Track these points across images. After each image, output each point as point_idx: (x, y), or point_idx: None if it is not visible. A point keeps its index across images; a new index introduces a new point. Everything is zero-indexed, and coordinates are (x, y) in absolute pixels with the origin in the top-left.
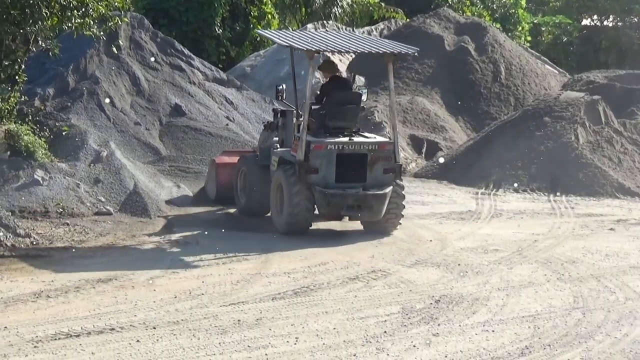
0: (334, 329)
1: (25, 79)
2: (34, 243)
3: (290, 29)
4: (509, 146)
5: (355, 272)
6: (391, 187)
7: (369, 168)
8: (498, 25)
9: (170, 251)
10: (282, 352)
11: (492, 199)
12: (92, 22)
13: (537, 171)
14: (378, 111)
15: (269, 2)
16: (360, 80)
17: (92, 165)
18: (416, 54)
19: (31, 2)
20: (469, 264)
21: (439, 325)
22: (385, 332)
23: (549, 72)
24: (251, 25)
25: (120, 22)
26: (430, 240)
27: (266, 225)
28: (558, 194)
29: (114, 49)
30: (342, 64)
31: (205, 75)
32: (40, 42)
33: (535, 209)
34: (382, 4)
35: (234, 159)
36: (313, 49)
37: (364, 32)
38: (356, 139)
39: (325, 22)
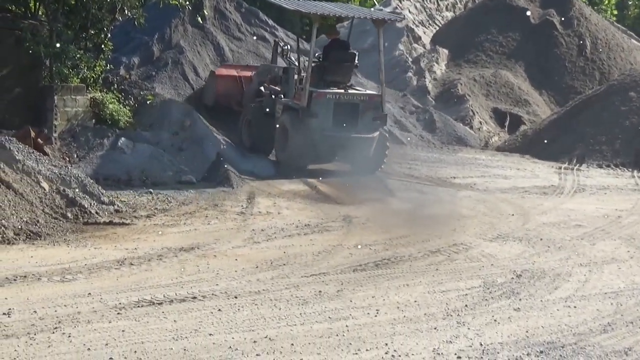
0: (415, 301)
1: (111, 47)
2: (118, 211)
3: (374, 1)
4: (593, 121)
5: (437, 245)
6: (378, 132)
7: (360, 115)
8: None
9: (252, 221)
10: (362, 323)
11: (575, 173)
12: None
13: (621, 146)
14: (461, 84)
15: None
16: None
17: (175, 134)
18: (403, 20)
19: None
20: (551, 239)
21: (520, 300)
22: (466, 305)
23: (635, 47)
24: None
25: None
26: (512, 215)
27: (347, 196)
28: None
29: (199, 18)
30: (426, 35)
31: (289, 45)
32: (126, 11)
33: (619, 185)
34: None
35: (232, 72)
36: (318, 13)
37: (448, 4)
38: (350, 91)
39: None
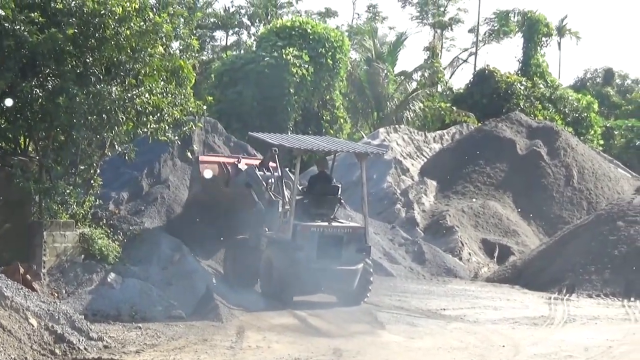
0: None
1: (100, 182)
2: (107, 346)
3: (363, 134)
4: (582, 251)
5: None
6: (362, 264)
7: (344, 247)
8: (570, 129)
9: (241, 355)
10: None
11: (565, 304)
12: (167, 127)
13: (610, 276)
14: (450, 215)
15: (342, 106)
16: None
17: (164, 268)
18: (385, 154)
19: (108, 107)
20: None
21: None
22: None
23: (622, 176)
24: (323, 130)
25: (194, 127)
26: (503, 346)
27: (337, 329)
28: (632, 299)
29: (188, 153)
30: (414, 167)
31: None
32: (116, 146)
33: (610, 315)
34: (454, 108)
35: (215, 158)
36: (301, 148)
37: (435, 136)
38: (334, 223)
39: (397, 126)
